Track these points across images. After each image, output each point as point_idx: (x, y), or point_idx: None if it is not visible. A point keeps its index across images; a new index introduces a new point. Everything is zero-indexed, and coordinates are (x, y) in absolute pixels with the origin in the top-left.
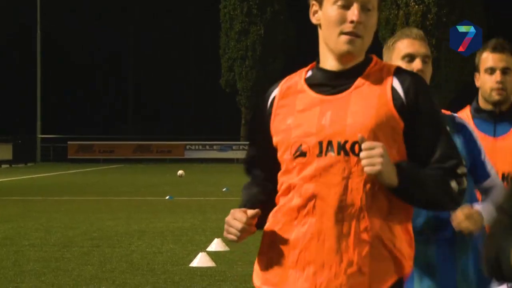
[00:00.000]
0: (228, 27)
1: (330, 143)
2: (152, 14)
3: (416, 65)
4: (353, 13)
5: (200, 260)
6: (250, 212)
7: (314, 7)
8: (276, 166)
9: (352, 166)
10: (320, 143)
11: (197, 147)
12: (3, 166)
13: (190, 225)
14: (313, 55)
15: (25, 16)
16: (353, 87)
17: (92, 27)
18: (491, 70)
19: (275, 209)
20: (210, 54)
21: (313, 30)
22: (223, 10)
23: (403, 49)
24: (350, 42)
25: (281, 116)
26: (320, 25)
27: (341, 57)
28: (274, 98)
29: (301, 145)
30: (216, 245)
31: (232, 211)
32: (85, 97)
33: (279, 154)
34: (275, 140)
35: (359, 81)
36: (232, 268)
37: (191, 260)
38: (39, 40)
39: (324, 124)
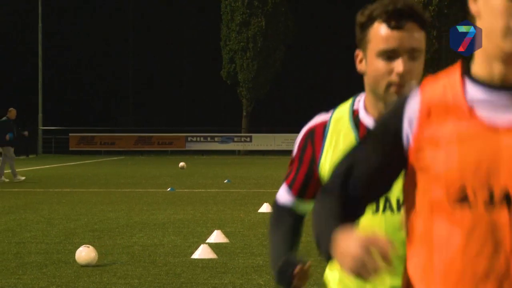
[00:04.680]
0: (229, 18)
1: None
2: (153, 5)
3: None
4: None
5: (202, 252)
6: None
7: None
8: None
9: None
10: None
11: (198, 139)
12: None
13: (191, 217)
14: (313, 47)
15: (26, 7)
16: None
17: (93, 18)
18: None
19: None
20: (211, 45)
21: (314, 22)
22: (224, 1)
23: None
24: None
25: None
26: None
27: None
28: None
29: None
30: (216, 237)
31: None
32: (86, 89)
33: None
34: None
35: None
36: (234, 260)
37: (192, 252)
38: (41, 32)
39: None
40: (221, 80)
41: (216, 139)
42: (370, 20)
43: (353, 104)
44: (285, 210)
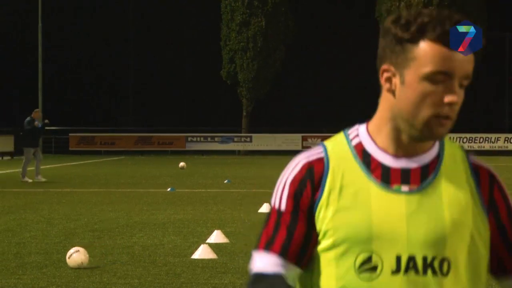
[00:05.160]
0: (229, 18)
1: None
2: (153, 5)
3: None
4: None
5: (202, 252)
6: None
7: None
8: None
9: None
10: None
11: (198, 139)
12: (5, 158)
13: (191, 217)
14: (313, 47)
15: (26, 7)
16: None
17: (93, 18)
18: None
19: None
20: (211, 45)
21: (314, 22)
22: (224, 1)
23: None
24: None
25: None
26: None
27: None
28: None
29: None
30: (217, 237)
31: None
32: (86, 89)
33: None
34: None
35: None
36: (234, 260)
37: (192, 252)
38: (41, 32)
39: None
40: (221, 80)
41: (216, 139)
42: (419, 34)
43: (349, 140)
44: (278, 279)
